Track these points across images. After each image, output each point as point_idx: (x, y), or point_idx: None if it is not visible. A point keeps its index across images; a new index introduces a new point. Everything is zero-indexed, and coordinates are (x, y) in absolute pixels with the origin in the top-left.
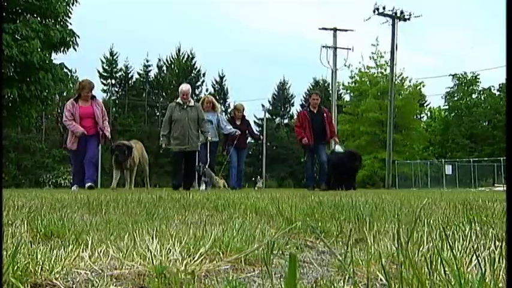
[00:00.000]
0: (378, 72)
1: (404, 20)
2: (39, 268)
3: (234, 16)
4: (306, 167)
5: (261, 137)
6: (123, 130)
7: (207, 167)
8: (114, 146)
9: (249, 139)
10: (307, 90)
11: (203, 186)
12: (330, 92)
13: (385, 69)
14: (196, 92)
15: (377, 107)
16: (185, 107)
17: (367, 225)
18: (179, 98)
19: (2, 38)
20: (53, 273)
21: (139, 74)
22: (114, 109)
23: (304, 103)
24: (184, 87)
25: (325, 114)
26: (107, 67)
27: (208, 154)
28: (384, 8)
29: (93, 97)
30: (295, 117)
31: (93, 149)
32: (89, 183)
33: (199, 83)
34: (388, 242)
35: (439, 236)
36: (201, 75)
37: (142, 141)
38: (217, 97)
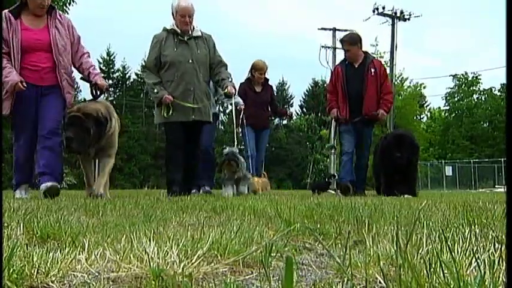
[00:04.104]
0: None
1: (404, 20)
2: (35, 271)
3: (232, 16)
4: (342, 156)
5: (293, 114)
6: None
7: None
8: (66, 118)
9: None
10: (306, 91)
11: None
12: None
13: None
14: None
15: None
16: (186, 38)
17: (366, 227)
18: (172, 24)
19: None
20: (49, 276)
21: (136, 74)
22: None
23: (303, 103)
24: (184, 1)
25: (372, 70)
26: (104, 67)
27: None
28: (383, 7)
29: (52, 9)
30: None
31: (52, 117)
32: (48, 183)
33: None
34: (387, 244)
35: (439, 238)
36: None
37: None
38: None
